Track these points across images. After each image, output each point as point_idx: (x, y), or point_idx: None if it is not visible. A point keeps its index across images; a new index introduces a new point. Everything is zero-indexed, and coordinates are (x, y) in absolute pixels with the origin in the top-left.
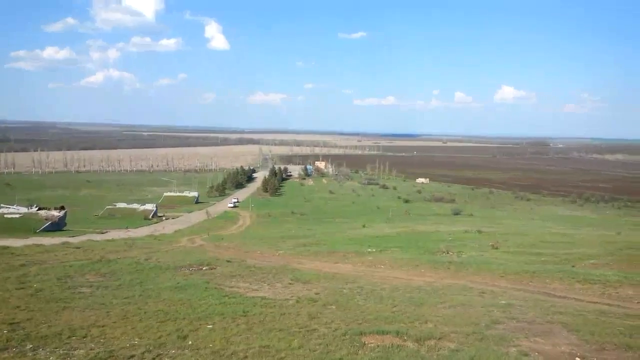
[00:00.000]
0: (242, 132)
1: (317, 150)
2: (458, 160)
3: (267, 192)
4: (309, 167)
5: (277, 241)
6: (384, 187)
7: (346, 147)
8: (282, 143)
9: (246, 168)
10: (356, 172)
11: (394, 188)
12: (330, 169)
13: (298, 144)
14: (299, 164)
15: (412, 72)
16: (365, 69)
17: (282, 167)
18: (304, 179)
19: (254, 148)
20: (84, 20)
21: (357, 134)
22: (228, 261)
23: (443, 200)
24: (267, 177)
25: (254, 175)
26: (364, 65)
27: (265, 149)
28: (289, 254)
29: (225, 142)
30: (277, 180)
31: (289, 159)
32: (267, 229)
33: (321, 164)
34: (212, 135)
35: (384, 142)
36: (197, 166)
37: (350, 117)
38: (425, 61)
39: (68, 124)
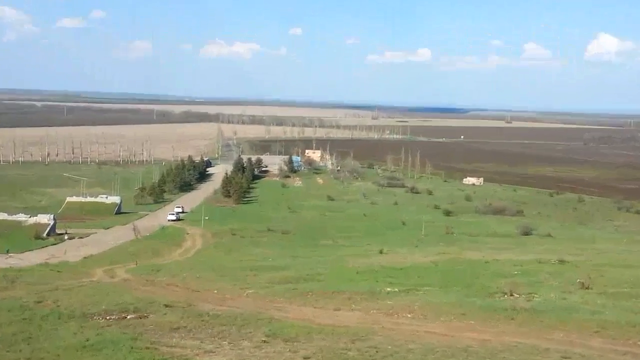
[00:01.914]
0: (192, 102)
1: (308, 131)
2: (529, 149)
3: (229, 196)
4: (295, 158)
5: (245, 274)
6: (414, 190)
7: (354, 127)
8: (255, 121)
9: (197, 159)
10: (370, 166)
11: (429, 192)
12: (329, 162)
13: (279, 122)
14: (280, 153)
15: (458, 12)
16: (384, 6)
17: (255, 158)
18: (288, 176)
19: (210, 128)
20: None
21: (371, 108)
22: (167, 306)
23: (505, 213)
24: (229, 173)
25: (210, 170)
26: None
27: (227, 129)
28: (264, 295)
29: (164, 118)
30: (247, 179)
31: (265, 146)
32: (230, 254)
33: (315, 154)
34: (143, 107)
35: (413, 121)
36: (119, 156)
37: (360, 81)
38: None
39: None
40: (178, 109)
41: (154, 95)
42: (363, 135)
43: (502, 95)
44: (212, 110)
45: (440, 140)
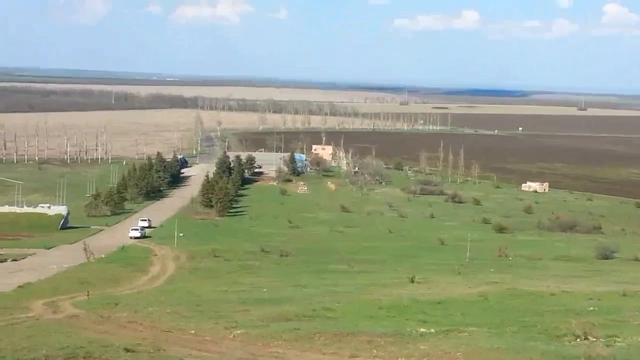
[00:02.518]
0: (162, 82)
1: (316, 121)
2: (609, 144)
3: (211, 206)
4: (299, 156)
5: (232, 309)
6: (456, 199)
7: (377, 115)
8: (245, 107)
9: (168, 157)
10: (398, 167)
11: (476, 202)
12: (344, 161)
13: (277, 108)
14: (278, 149)
15: None
16: None
17: (245, 155)
18: (289, 180)
19: (186, 116)
20: None
21: (400, 90)
22: (128, 350)
23: (577, 229)
24: (211, 176)
25: (186, 172)
26: None
27: (209, 117)
28: (256, 337)
29: (126, 102)
30: (234, 184)
31: (259, 140)
32: (212, 283)
33: (325, 151)
34: (98, 88)
35: (454, 107)
36: (66, 152)
37: (385, 54)
38: None
39: None
40: (144, 90)
41: (113, 73)
42: (388, 126)
43: (573, 73)
44: (188, 92)
45: (492, 133)
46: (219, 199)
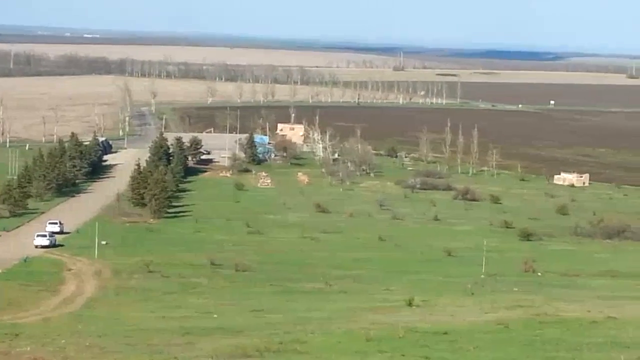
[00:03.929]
0: (77, 39)
1: (282, 92)
2: None
3: (143, 205)
4: (260, 139)
5: (171, 341)
6: (467, 196)
7: (364, 85)
8: (188, 73)
9: (86, 140)
10: (391, 153)
11: (495, 200)
12: (320, 146)
13: (230, 75)
14: (233, 130)
15: None
16: None
17: (189, 137)
18: (247, 171)
19: (110, 85)
20: None
21: (394, 51)
22: None
23: (627, 236)
24: (143, 165)
25: (110, 159)
26: None
27: (140, 87)
28: None
29: (30, 67)
30: (175, 175)
31: (207, 118)
32: (145, 307)
33: (294, 132)
34: None
35: (466, 74)
36: None
37: (372, 5)
38: None
39: None
40: (54, 50)
41: (11, 27)
42: (379, 98)
43: (623, 30)
44: (113, 53)
45: (515, 108)
46: (154, 195)
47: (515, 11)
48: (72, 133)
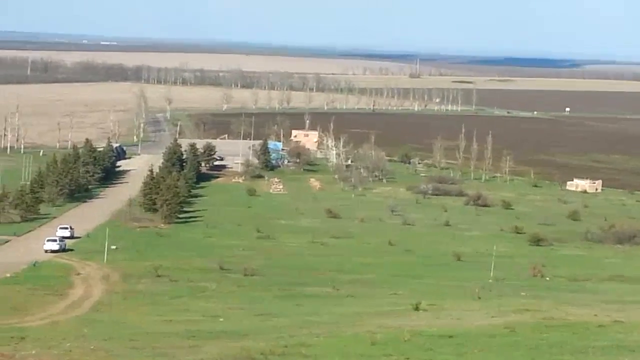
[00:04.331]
0: (94, 46)
1: (297, 99)
2: None
3: (155, 210)
4: (274, 145)
5: (178, 344)
6: (479, 201)
7: (379, 92)
8: (204, 80)
9: (100, 147)
10: (404, 160)
11: (507, 205)
12: (333, 152)
13: (246, 81)
14: (247, 136)
15: None
16: None
17: (203, 144)
18: (260, 177)
19: (125, 92)
20: None
21: (410, 58)
22: None
23: (638, 241)
24: (156, 170)
25: (124, 165)
26: None
27: (155, 94)
28: None
29: (46, 74)
30: (187, 181)
31: (222, 124)
32: (153, 311)
33: (308, 139)
34: (10, 53)
35: (481, 81)
36: None
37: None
38: None
39: None
40: (70, 57)
41: (29, 33)
42: (393, 105)
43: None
44: (128, 60)
45: (530, 115)
46: (166, 200)
47: (531, 19)
48: (87, 139)
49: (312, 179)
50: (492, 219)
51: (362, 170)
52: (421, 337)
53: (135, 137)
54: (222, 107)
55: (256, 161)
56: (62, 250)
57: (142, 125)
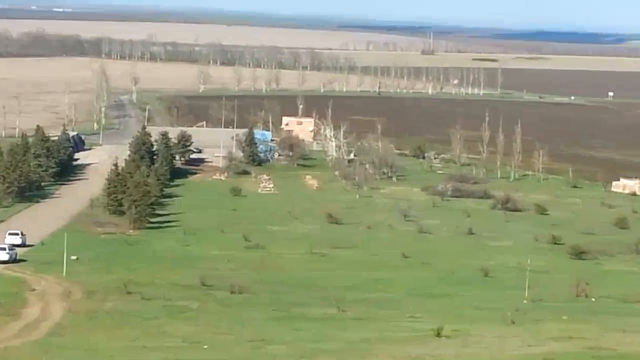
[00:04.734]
0: (45, 13)
1: (289, 79)
2: None
3: (121, 213)
4: (262, 135)
5: None
6: (508, 205)
7: (385, 70)
8: (176, 55)
9: (54, 135)
10: (417, 154)
11: (541, 210)
12: (332, 143)
13: (227, 57)
14: (229, 124)
15: None
16: None
17: (176, 132)
18: (245, 173)
19: (83, 68)
20: None
21: (422, 31)
22: None
23: None
24: (121, 165)
25: (82, 158)
26: None
27: (119, 71)
28: None
29: None
30: (159, 177)
31: (198, 109)
32: (122, 335)
33: (303, 127)
34: None
35: (507, 59)
36: None
37: None
38: None
39: None
40: (17, 27)
41: None
42: (403, 87)
43: None
44: (87, 31)
45: (567, 100)
46: (134, 201)
47: None
48: (38, 126)
49: (307, 177)
50: (524, 226)
51: (367, 167)
52: None
53: (95, 124)
54: (198, 88)
55: (240, 154)
56: (12, 260)
57: (103, 109)
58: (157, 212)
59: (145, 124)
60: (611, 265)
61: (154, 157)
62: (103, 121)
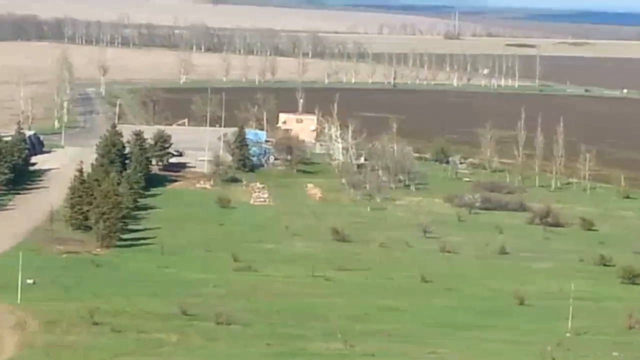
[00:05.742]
0: None
1: (287, 67)
2: None
3: (86, 227)
4: (255, 135)
5: None
6: (549, 219)
7: (401, 57)
8: (152, 40)
9: (8, 135)
10: (440, 158)
11: (587, 225)
12: (339, 146)
13: (212, 42)
14: (215, 122)
15: None
16: None
17: (152, 131)
18: (235, 180)
19: (42, 55)
20: None
21: (446, 10)
22: None
23: None
24: (87, 170)
25: (41, 162)
26: None
27: (85, 59)
28: None
29: None
30: (132, 185)
31: (179, 104)
32: None
33: (303, 125)
34: None
35: (547, 44)
36: None
37: None
38: None
39: None
40: None
41: None
42: (423, 78)
43: None
44: (45, 10)
45: (618, 94)
46: (103, 214)
47: None
48: None
49: (309, 185)
50: (567, 244)
51: (380, 173)
52: None
53: (56, 122)
54: (179, 79)
55: (229, 158)
56: None
57: (65, 104)
58: (129, 227)
59: (116, 121)
60: None
61: (126, 161)
62: (65, 118)
